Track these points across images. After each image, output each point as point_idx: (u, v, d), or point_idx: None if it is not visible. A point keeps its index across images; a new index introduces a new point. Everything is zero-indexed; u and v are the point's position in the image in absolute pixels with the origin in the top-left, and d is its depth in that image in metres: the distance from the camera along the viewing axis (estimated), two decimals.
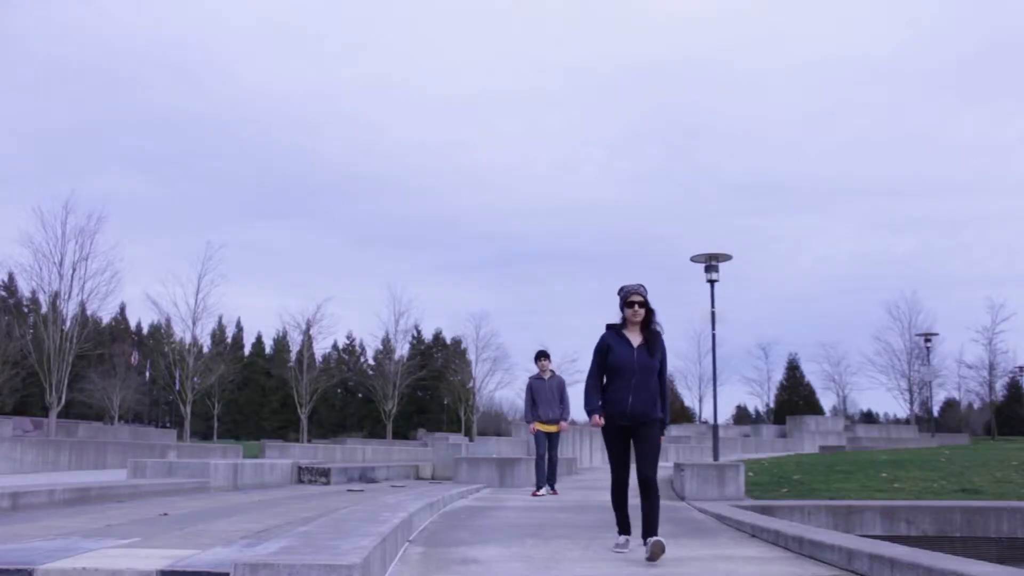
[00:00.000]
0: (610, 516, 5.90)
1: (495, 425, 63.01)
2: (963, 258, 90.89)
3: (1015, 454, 17.20)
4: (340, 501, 10.75)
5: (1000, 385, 61.08)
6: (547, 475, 11.31)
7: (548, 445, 11.27)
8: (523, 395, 11.68)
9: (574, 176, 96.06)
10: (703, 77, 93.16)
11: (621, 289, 5.79)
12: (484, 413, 63.75)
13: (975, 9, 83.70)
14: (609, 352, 5.62)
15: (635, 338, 5.62)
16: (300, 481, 15.67)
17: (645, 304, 5.66)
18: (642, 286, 5.74)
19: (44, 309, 35.29)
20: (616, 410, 5.53)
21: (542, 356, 11.38)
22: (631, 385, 5.50)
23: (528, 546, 5.94)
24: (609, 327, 5.76)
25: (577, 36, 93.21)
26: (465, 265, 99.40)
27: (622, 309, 5.69)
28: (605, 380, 5.67)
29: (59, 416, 33.29)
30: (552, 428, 11.21)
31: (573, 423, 12.41)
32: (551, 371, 11.36)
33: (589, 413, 5.69)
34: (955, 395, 62.84)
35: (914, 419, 54.28)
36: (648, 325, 5.66)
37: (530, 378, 11.44)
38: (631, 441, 5.62)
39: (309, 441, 49.40)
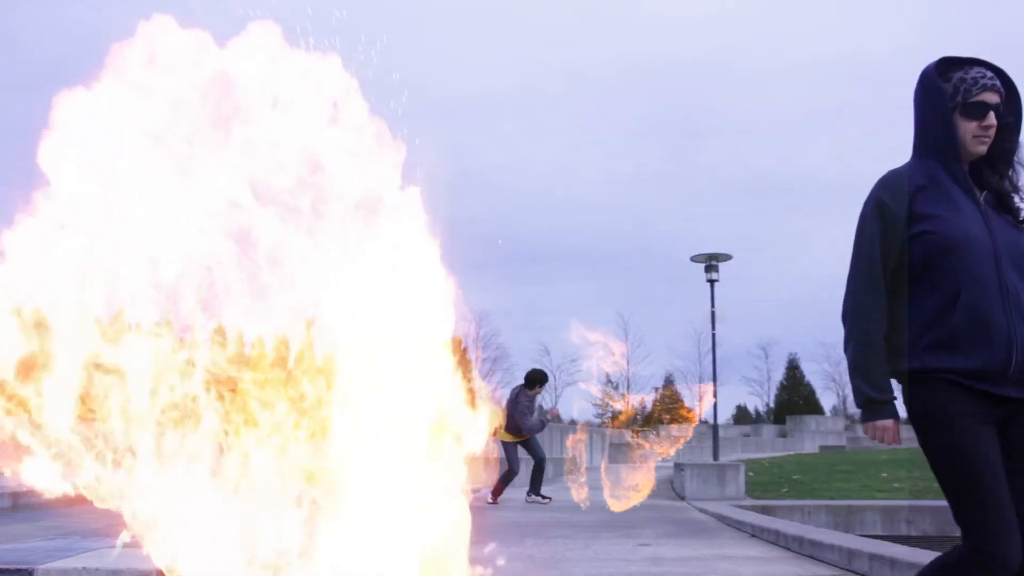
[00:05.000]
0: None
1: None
2: None
3: None
4: None
5: None
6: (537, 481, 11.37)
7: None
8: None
9: (574, 176, 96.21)
10: (703, 77, 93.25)
11: (941, 65, 2.36)
12: None
13: (975, 10, 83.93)
14: (914, 218, 2.35)
15: (976, 191, 2.36)
16: None
17: (1009, 115, 2.35)
18: (992, 66, 2.37)
19: None
20: (979, 361, 2.29)
21: (546, 381, 11.55)
22: (995, 293, 2.25)
23: (528, 546, 5.93)
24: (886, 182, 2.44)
25: (577, 36, 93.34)
26: (465, 265, 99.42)
27: (955, 114, 2.33)
28: (910, 289, 2.45)
29: None
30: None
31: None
32: None
33: (866, 402, 2.51)
34: None
35: None
36: (1008, 158, 2.36)
37: (534, 391, 11.51)
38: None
39: None
